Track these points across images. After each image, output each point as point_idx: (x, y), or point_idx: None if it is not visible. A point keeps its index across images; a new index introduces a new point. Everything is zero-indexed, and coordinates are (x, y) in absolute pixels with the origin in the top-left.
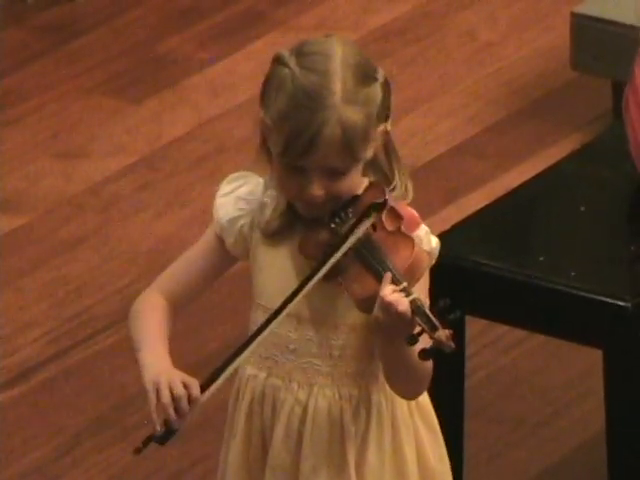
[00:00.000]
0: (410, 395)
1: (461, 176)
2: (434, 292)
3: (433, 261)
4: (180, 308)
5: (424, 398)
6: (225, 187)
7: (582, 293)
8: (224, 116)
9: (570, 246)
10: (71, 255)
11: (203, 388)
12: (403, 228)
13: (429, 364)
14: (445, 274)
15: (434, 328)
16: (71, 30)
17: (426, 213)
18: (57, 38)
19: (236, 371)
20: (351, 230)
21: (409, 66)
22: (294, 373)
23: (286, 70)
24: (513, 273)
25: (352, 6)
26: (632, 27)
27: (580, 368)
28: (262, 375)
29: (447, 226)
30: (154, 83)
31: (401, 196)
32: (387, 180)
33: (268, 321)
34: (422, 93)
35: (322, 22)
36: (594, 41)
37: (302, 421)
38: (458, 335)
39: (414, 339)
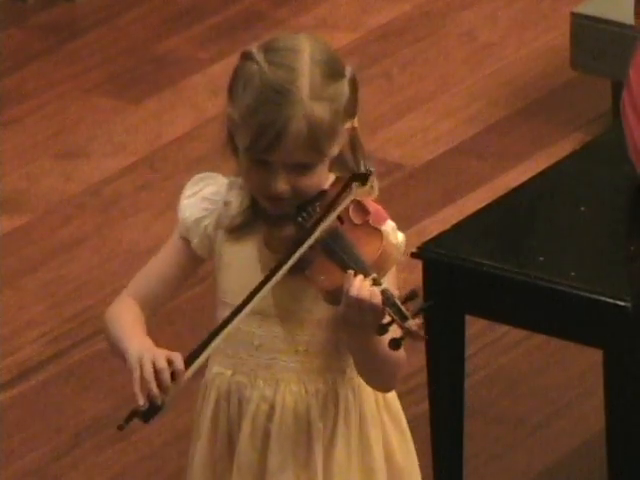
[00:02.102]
0: (383, 386)
1: (461, 176)
2: (433, 291)
3: (400, 256)
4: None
5: (392, 395)
6: (190, 188)
7: (582, 293)
8: (224, 116)
9: (570, 246)
10: (71, 255)
11: (186, 364)
12: (371, 221)
13: (400, 354)
14: (445, 274)
15: (404, 318)
16: (71, 30)
17: (426, 213)
18: (57, 38)
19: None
20: (325, 213)
21: (409, 66)
22: (259, 370)
23: (254, 66)
24: (513, 273)
25: (352, 6)
26: (632, 27)
27: (580, 368)
28: (228, 373)
29: (447, 226)
30: (154, 83)
31: (367, 192)
32: None
33: (234, 313)
34: (422, 93)
35: (322, 22)
36: (594, 41)
37: (269, 418)
38: (430, 325)
39: (384, 329)
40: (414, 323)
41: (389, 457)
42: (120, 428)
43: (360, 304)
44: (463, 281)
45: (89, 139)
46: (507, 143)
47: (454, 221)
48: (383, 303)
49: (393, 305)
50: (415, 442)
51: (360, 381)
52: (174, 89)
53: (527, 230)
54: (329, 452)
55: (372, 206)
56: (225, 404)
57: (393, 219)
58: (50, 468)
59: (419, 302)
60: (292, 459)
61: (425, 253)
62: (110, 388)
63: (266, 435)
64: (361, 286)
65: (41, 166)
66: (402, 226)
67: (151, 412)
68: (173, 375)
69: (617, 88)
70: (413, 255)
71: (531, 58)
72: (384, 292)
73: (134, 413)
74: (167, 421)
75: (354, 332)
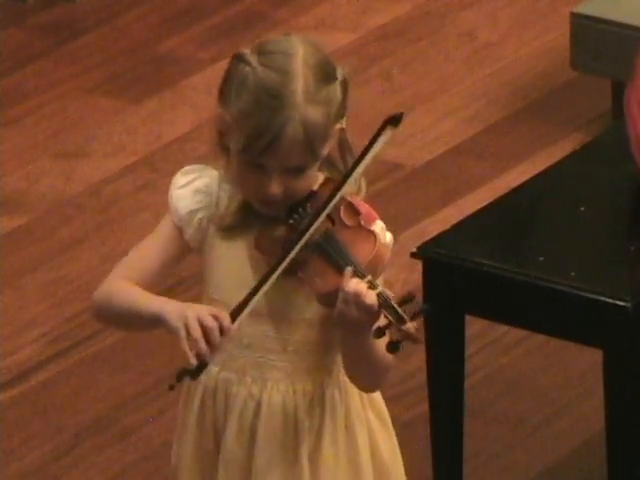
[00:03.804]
0: (370, 388)
1: (461, 176)
2: (433, 291)
3: (389, 255)
4: None
5: (376, 393)
6: (181, 179)
7: (582, 293)
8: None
9: (570, 246)
10: (71, 255)
11: (233, 318)
12: (363, 222)
13: (389, 357)
14: (445, 274)
15: (401, 321)
16: (71, 30)
17: (426, 213)
18: (57, 38)
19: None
20: (324, 206)
21: (409, 66)
22: (248, 367)
23: (247, 68)
24: (513, 273)
25: (352, 6)
26: (632, 27)
27: (580, 368)
28: (215, 369)
29: (447, 226)
30: (154, 83)
31: (355, 192)
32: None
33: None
34: (422, 93)
35: (321, 22)
36: (594, 41)
37: (255, 415)
38: (430, 325)
39: (381, 332)
40: (412, 326)
41: (375, 454)
42: (171, 388)
43: (356, 300)
44: (463, 281)
45: (89, 139)
46: (507, 143)
47: (454, 221)
48: (380, 306)
49: (390, 307)
50: (415, 442)
51: (347, 380)
52: (174, 89)
53: (527, 230)
54: (316, 450)
55: (363, 207)
56: (211, 401)
57: (393, 219)
58: (50, 468)
59: (416, 304)
60: (279, 457)
61: (425, 253)
62: (110, 388)
63: (253, 433)
64: (356, 287)
65: (41, 166)
66: (402, 226)
67: (200, 370)
68: (221, 332)
69: (617, 88)
70: (413, 255)
71: (531, 58)
72: (380, 295)
73: (184, 372)
74: (167, 421)
75: (349, 333)
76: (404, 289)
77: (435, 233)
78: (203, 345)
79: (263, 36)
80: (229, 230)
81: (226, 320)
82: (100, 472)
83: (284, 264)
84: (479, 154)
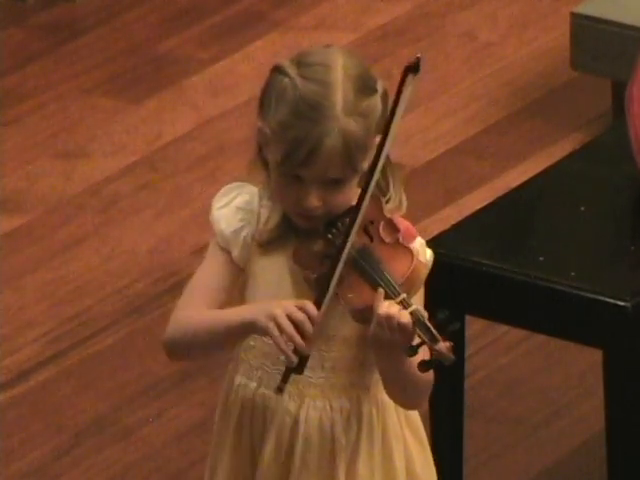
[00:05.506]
0: (411, 405)
1: (461, 176)
2: (433, 292)
3: (427, 272)
4: None
5: (413, 411)
6: (221, 199)
7: (582, 293)
8: (224, 116)
9: (570, 246)
10: (71, 255)
11: (317, 306)
12: (401, 239)
13: (430, 374)
14: (445, 274)
15: (435, 340)
16: (71, 30)
17: (426, 213)
18: (57, 38)
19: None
20: (362, 194)
21: None
22: None
23: (286, 80)
24: (513, 273)
25: (351, 6)
26: (632, 27)
27: (580, 368)
28: (252, 385)
29: (447, 226)
30: (154, 83)
31: (395, 208)
32: (381, 192)
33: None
34: (422, 93)
35: (321, 22)
36: (594, 41)
37: (293, 432)
38: (457, 345)
39: (414, 351)
40: (445, 345)
41: (409, 470)
42: (280, 390)
43: (389, 322)
44: (463, 281)
45: (89, 139)
46: (507, 143)
47: (454, 221)
48: (413, 324)
49: (423, 326)
50: None
51: (384, 397)
52: (174, 89)
53: (527, 230)
54: (352, 468)
55: (402, 224)
56: (249, 419)
57: None
58: (50, 468)
59: (449, 322)
60: (315, 474)
61: None
62: (110, 388)
63: (290, 449)
64: (389, 307)
65: (41, 166)
66: None
67: (303, 364)
68: (311, 321)
69: (617, 88)
70: None
71: (531, 58)
72: (414, 313)
73: (289, 371)
74: (167, 421)
75: (383, 352)
76: None
77: (435, 233)
78: (299, 340)
79: (263, 36)
80: (268, 245)
81: (312, 309)
82: (100, 472)
83: (339, 269)
84: (479, 154)
